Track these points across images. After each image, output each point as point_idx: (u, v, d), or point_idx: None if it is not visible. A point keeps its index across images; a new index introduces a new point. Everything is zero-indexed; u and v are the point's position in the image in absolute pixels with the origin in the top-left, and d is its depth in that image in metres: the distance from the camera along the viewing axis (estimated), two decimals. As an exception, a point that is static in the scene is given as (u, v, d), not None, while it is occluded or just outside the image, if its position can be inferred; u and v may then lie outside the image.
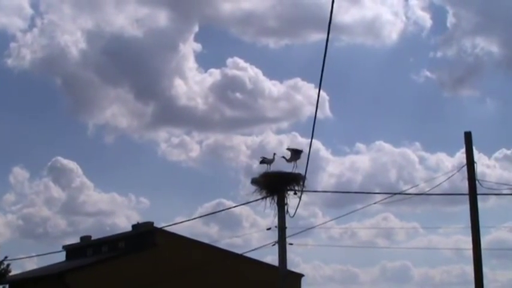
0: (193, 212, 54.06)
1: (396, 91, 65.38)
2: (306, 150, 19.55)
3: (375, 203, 21.91)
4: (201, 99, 58.08)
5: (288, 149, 20.33)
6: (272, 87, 58.69)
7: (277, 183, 19.41)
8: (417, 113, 62.55)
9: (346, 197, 47.25)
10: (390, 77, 65.67)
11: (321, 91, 11.57)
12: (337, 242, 48.51)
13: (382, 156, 58.80)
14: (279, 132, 63.07)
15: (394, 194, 20.42)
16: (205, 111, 58.02)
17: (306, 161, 17.06)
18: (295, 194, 19.38)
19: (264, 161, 20.22)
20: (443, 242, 51.92)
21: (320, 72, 10.48)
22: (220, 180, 61.57)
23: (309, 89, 58.09)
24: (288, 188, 19.44)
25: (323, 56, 10.10)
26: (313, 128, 13.59)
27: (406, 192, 20.33)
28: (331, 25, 9.38)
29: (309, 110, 57.61)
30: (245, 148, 58.85)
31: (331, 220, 25.11)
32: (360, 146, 60.69)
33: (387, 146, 58.64)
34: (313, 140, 14.96)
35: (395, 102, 65.00)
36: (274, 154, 20.26)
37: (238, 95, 56.64)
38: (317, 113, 12.96)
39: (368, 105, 64.98)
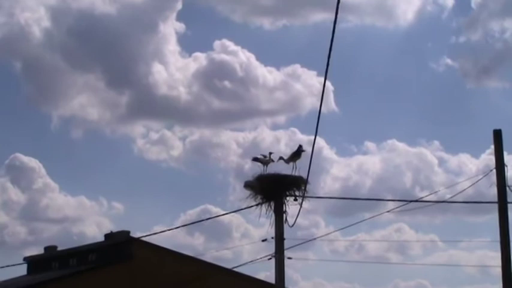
0: (175, 220, 54.25)
1: (412, 81, 65.47)
2: (307, 150, 19.46)
3: (386, 212, 21.91)
4: (184, 88, 57.96)
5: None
6: (267, 74, 58.70)
7: (274, 188, 19.27)
8: (436, 107, 62.67)
9: (353, 204, 47.15)
10: (405, 65, 65.76)
11: (326, 81, 11.33)
12: (342, 256, 48.66)
13: (395, 157, 58.88)
14: (275, 127, 63.11)
15: (409, 202, 20.31)
16: (189, 102, 57.96)
17: (308, 162, 16.81)
18: (295, 200, 19.25)
19: (258, 159, 20.04)
20: (466, 258, 52.19)
21: (324, 58, 10.31)
22: (207, 184, 61.56)
23: (310, 77, 58.08)
24: (287, 193, 19.30)
25: (329, 39, 9.87)
26: (317, 123, 13.33)
27: (424, 199, 20.28)
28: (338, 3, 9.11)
29: (310, 102, 57.66)
30: (236, 146, 58.85)
31: (335, 231, 24.85)
32: (370, 145, 60.79)
33: (401, 146, 58.74)
34: (316, 138, 14.67)
35: (410, 94, 65.08)
36: (271, 153, 20.10)
37: (227, 83, 56.60)
38: (321, 105, 12.64)
39: (379, 98, 65.06)
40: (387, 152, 59.57)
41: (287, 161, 19.87)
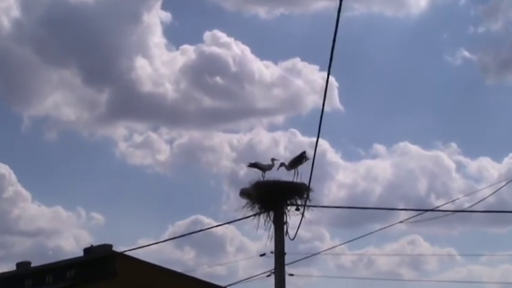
0: (163, 232, 54.03)
1: (425, 77, 65.62)
2: (308, 153, 19.38)
3: (399, 223, 21.80)
4: (170, 85, 58.18)
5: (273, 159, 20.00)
6: (264, 69, 58.87)
7: (274, 196, 19.19)
8: (453, 105, 62.84)
9: (361, 214, 47.24)
10: (417, 59, 65.89)
11: (329, 76, 11.27)
12: (349, 272, 48.62)
13: (407, 161, 59.04)
14: (273, 128, 63.57)
15: (424, 211, 20.21)
16: (176, 101, 58.06)
17: (311, 167, 16.72)
18: (297, 209, 19.17)
19: (255, 165, 19.98)
20: (487, 273, 52.16)
21: (327, 51, 10.31)
22: (197, 192, 61.61)
23: (312, 72, 58.38)
24: (288, 201, 19.24)
25: (333, 29, 9.84)
26: (319, 123, 13.24)
27: (440, 208, 20.19)
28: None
29: (311, 100, 57.83)
30: (229, 149, 58.97)
31: (341, 244, 24.85)
32: (379, 148, 60.97)
33: (414, 149, 58.88)
34: (319, 140, 14.62)
35: (424, 91, 65.24)
36: (273, 160, 20.00)
37: (219, 79, 56.76)
38: (324, 104, 12.68)
39: (389, 95, 65.25)
40: (399, 156, 59.76)
41: (288, 168, 19.81)
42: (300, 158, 19.69)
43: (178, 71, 60.02)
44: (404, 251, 52.25)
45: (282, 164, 19.91)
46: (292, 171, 19.65)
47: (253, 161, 20.13)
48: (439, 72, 65.49)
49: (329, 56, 10.38)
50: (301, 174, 19.37)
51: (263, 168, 19.92)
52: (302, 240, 46.68)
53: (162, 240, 32.84)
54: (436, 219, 20.61)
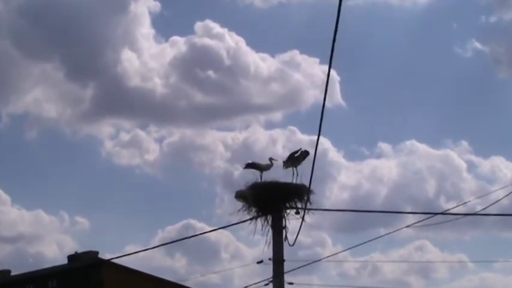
0: (152, 238, 53.99)
1: (433, 70, 65.75)
2: (309, 151, 19.42)
3: (406, 227, 21.88)
4: (160, 80, 58.22)
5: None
6: (260, 62, 58.98)
7: (272, 198, 19.25)
8: (463, 100, 63.02)
9: (366, 218, 47.13)
10: (425, 50, 65.95)
11: (331, 69, 11.32)
12: (352, 280, 48.70)
13: (415, 160, 59.20)
14: (270, 126, 63.50)
15: (433, 215, 20.26)
16: (166, 97, 58.16)
17: (311, 168, 16.78)
18: (297, 213, 19.23)
19: (253, 165, 20.05)
20: (501, 282, 52.28)
21: (328, 42, 10.35)
22: (189, 194, 61.77)
23: (312, 66, 58.54)
24: (288, 204, 19.30)
25: (334, 19, 9.88)
26: (320, 120, 13.28)
27: (450, 211, 20.25)
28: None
29: (311, 95, 58.02)
30: (223, 148, 59.07)
31: (344, 250, 24.75)
32: (384, 146, 61.10)
33: (422, 147, 59.03)
34: (320, 138, 14.67)
35: (432, 85, 65.26)
36: (272, 159, 20.08)
37: (211, 73, 56.75)
38: (325, 99, 12.71)
39: (395, 90, 65.41)
40: (405, 155, 59.94)
41: (285, 164, 19.91)
42: (298, 156, 19.76)
43: (168, 65, 60.28)
44: (411, 257, 52.45)
45: (271, 159, 19.99)
46: (291, 171, 19.71)
47: (249, 161, 20.20)
48: (449, 65, 65.72)
49: (330, 48, 10.43)
50: (301, 175, 19.45)
51: (261, 168, 19.98)
52: (302, 246, 46.82)
53: (152, 246, 32.87)
54: (446, 223, 20.66)
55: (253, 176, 19.92)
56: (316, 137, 14.69)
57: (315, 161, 16.12)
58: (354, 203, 54.41)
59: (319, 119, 13.21)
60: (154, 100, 57.43)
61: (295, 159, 19.77)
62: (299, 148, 19.91)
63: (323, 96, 12.37)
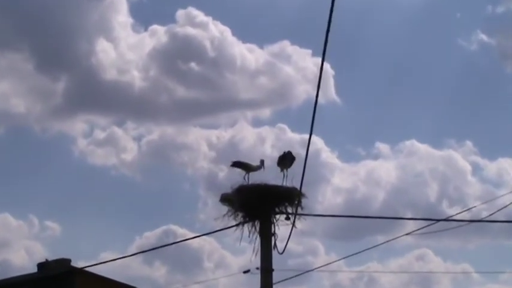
0: (129, 245, 53.92)
1: (436, 64, 65.90)
2: (299, 152, 19.43)
3: (405, 235, 21.87)
4: (138, 72, 57.88)
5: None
6: (247, 54, 58.69)
7: (260, 202, 19.24)
8: (468, 97, 63.08)
9: (362, 224, 47.13)
10: (426, 43, 66.02)
11: (324, 62, 11.27)
12: (347, 292, 48.38)
13: (415, 162, 59.14)
14: (258, 123, 63.47)
15: (435, 221, 20.27)
16: (145, 91, 57.83)
17: (302, 169, 16.75)
18: (287, 219, 19.20)
19: (241, 164, 20.03)
20: (508, 294, 52.12)
21: (321, 32, 10.30)
22: (170, 197, 61.55)
23: (304, 58, 58.45)
24: (277, 209, 19.28)
25: (328, 7, 9.85)
26: (313, 118, 13.27)
27: (454, 218, 20.25)
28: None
29: (303, 91, 57.97)
30: (207, 148, 58.88)
31: (338, 260, 24.82)
32: (382, 146, 61.02)
33: (423, 148, 58.99)
34: (312, 137, 14.65)
35: (434, 80, 65.27)
36: (263, 161, 20.08)
37: (194, 66, 56.48)
38: (318, 95, 12.75)
39: (394, 85, 65.15)
40: (405, 156, 59.90)
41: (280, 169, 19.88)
42: (288, 158, 19.76)
43: (147, 56, 59.82)
44: (412, 267, 52.43)
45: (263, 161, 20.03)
46: (281, 173, 19.72)
47: (237, 160, 20.16)
48: (452, 59, 65.65)
49: (324, 39, 10.39)
50: (291, 178, 19.44)
51: (249, 168, 19.96)
52: (292, 255, 46.68)
53: (129, 254, 32.82)
54: (449, 231, 20.71)
55: (240, 178, 19.95)
56: (308, 136, 14.72)
57: (306, 162, 16.11)
58: (349, 208, 54.42)
59: (312, 117, 13.22)
60: (132, 95, 57.22)
61: (281, 161, 19.77)
62: (287, 151, 19.92)
63: (316, 91, 12.36)
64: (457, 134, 69.24)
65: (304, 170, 16.56)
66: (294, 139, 50.06)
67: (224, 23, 57.83)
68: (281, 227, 19.31)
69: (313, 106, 12.87)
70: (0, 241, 56.44)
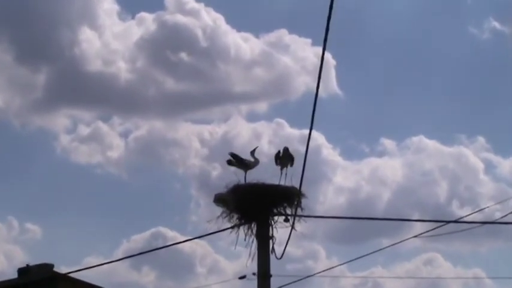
0: (116, 248, 53.78)
1: (445, 54, 65.43)
2: (299, 149, 19.57)
3: (413, 237, 21.80)
4: (125, 64, 57.64)
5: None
6: (242, 44, 58.45)
7: (257, 203, 19.24)
8: (479, 89, 62.83)
9: (366, 226, 47.01)
10: (435, 31, 65.68)
11: (325, 52, 11.20)
12: (350, 299, 48.34)
13: (423, 159, 59.00)
14: (254, 118, 63.33)
15: (444, 223, 20.23)
16: (132, 83, 57.62)
17: (302, 167, 16.68)
18: (286, 220, 19.18)
19: (236, 161, 19.96)
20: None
21: (322, 20, 10.20)
22: (159, 197, 61.38)
23: (303, 47, 58.13)
24: (276, 210, 19.27)
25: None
26: (313, 112, 13.18)
27: (464, 219, 20.21)
28: None
29: (302, 83, 57.74)
30: (199, 144, 58.69)
31: (341, 264, 24.73)
32: (387, 143, 60.77)
33: (431, 144, 58.86)
34: (312, 133, 14.57)
35: (443, 71, 65.16)
36: (254, 150, 20.08)
37: (185, 56, 56.14)
38: (319, 87, 12.67)
39: (399, 77, 65.23)
40: (412, 153, 59.76)
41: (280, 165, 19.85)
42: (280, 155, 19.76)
43: (134, 46, 59.40)
44: (419, 272, 52.25)
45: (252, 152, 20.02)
46: (279, 171, 19.68)
47: (232, 157, 20.10)
48: (462, 48, 65.31)
49: (324, 27, 10.31)
50: (290, 176, 19.45)
51: (246, 165, 19.90)
52: (292, 259, 46.62)
53: (116, 259, 32.78)
54: (460, 233, 20.69)
55: (235, 176, 19.91)
56: (307, 131, 14.63)
57: (306, 159, 16.02)
58: (352, 209, 53.98)
59: (312, 111, 13.13)
60: (118, 87, 56.99)
61: (280, 160, 19.73)
62: (284, 148, 19.88)
63: (316, 83, 12.28)
64: (468, 129, 68.85)
65: (304, 168, 16.49)
66: (292, 135, 50.00)
67: (217, 10, 57.54)
68: (279, 230, 19.37)
69: (313, 99, 12.82)
70: (-24, 245, 56.30)
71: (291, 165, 19.69)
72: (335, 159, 58.92)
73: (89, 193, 60.58)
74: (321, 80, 12.37)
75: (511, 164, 59.63)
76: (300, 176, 16.98)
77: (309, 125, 13.82)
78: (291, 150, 19.93)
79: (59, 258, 58.60)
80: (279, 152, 19.91)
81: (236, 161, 20.06)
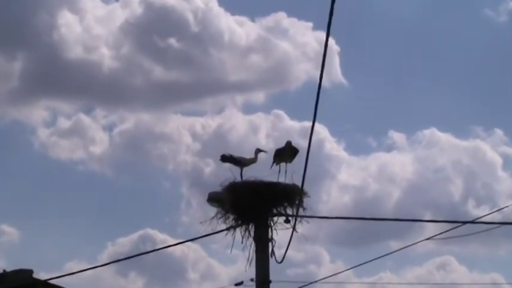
0: (100, 252, 53.90)
1: (458, 39, 65.91)
2: (300, 144, 19.65)
3: (425, 240, 21.90)
4: (108, 50, 57.62)
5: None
6: (237, 28, 58.45)
7: (255, 203, 19.28)
8: (497, 77, 62.87)
9: (373, 227, 47.15)
10: (448, 14, 65.74)
11: (329, 37, 11.23)
12: (357, 307, 48.42)
13: (435, 154, 59.13)
14: (250, 109, 63.81)
15: (459, 224, 20.30)
16: (116, 72, 57.71)
17: (304, 163, 16.72)
18: (287, 221, 19.21)
19: (232, 159, 20.07)
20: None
21: (324, 2, 10.23)
22: (147, 197, 61.41)
23: (303, 32, 58.18)
24: (275, 210, 19.31)
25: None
26: (316, 103, 13.22)
27: (481, 220, 20.27)
28: None
29: (303, 71, 57.85)
30: (190, 138, 58.80)
31: (346, 270, 24.78)
32: (397, 136, 60.99)
33: (445, 138, 59.04)
34: (315, 126, 14.60)
35: (457, 58, 65.40)
36: (259, 151, 20.17)
37: (173, 42, 56.11)
38: (322, 76, 12.60)
39: (409, 64, 65.21)
40: (424, 148, 59.96)
41: (274, 163, 19.92)
42: (284, 151, 19.78)
43: (119, 31, 59.43)
44: (432, 278, 52.28)
45: (258, 150, 20.06)
46: (279, 167, 19.79)
47: (227, 153, 20.15)
48: (477, 32, 65.43)
49: (328, 9, 10.35)
50: (291, 173, 19.48)
51: (243, 162, 19.99)
52: (293, 264, 46.75)
53: (100, 264, 32.84)
54: (476, 235, 20.74)
55: (230, 173, 19.96)
56: (309, 124, 14.65)
57: (308, 154, 16.05)
58: (358, 209, 53.89)
59: (314, 101, 13.16)
60: (102, 76, 56.96)
61: (281, 154, 19.78)
62: (286, 141, 19.92)
63: (319, 72, 12.31)
64: (484, 121, 68.55)
65: (307, 164, 16.50)
66: (292, 128, 50.14)
67: (210, -8, 57.57)
68: (279, 231, 19.44)
69: (314, 88, 12.84)
70: None
71: (290, 161, 19.73)
72: (339, 154, 59.10)
73: (70, 192, 60.76)
74: (324, 68, 12.39)
75: (532, 159, 59.71)
76: (302, 173, 16.99)
77: (311, 117, 13.80)
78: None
79: (38, 263, 58.45)
80: (283, 148, 19.87)
81: (232, 160, 20.10)
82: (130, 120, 61.30)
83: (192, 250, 52.50)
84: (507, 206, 21.57)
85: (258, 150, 20.16)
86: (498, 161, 57.46)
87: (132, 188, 62.02)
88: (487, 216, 20.57)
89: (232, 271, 46.24)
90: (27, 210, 57.87)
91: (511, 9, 62.99)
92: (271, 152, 20.08)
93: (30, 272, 31.33)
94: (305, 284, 23.38)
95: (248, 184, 19.62)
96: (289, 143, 19.89)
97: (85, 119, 58.81)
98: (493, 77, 62.98)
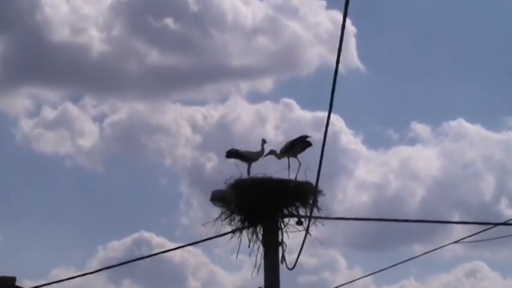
0: (90, 258, 54.21)
1: (487, 21, 65.67)
2: (312, 136, 19.85)
3: (453, 243, 22.02)
4: (98, 32, 57.79)
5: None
6: (242, 7, 58.52)
7: (263, 202, 19.36)
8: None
9: (395, 229, 47.38)
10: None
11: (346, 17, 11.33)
12: (378, 318, 48.66)
13: (463, 148, 59.38)
14: (256, 98, 63.70)
15: (491, 226, 20.42)
16: (107, 56, 57.83)
17: (319, 159, 16.81)
18: (299, 223, 19.31)
19: (237, 154, 20.19)
20: None
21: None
22: (142, 195, 61.63)
23: (316, 12, 58.40)
24: (287, 211, 19.41)
25: None
26: (332, 91, 13.31)
27: (515, 221, 20.40)
28: None
29: (316, 55, 58.01)
30: (190, 130, 58.89)
31: (365, 276, 24.83)
32: (420, 128, 61.07)
33: (474, 129, 59.20)
34: (331, 117, 14.70)
35: (485, 42, 65.31)
36: (265, 142, 20.28)
37: (170, 22, 56.19)
38: (339, 60, 12.65)
39: (433, 49, 65.16)
40: (450, 141, 60.09)
41: (279, 155, 20.07)
42: (297, 143, 19.88)
43: (109, 10, 59.87)
44: (461, 285, 52.66)
45: (271, 152, 20.09)
46: (291, 162, 19.87)
47: (231, 148, 20.26)
48: (509, 15, 65.65)
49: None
50: (304, 169, 19.51)
51: (249, 157, 20.11)
52: (305, 270, 47.04)
53: (90, 271, 32.99)
54: (510, 238, 20.88)
55: (236, 169, 20.04)
56: (322, 114, 14.77)
57: (324, 148, 16.09)
58: (378, 209, 54.30)
59: (329, 89, 13.25)
60: (91, 61, 57.09)
61: (290, 147, 19.86)
62: (300, 137, 20.03)
63: (333, 56, 12.43)
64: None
65: (322, 159, 16.49)
66: (304, 118, 50.45)
67: (210, -34, 57.76)
68: (291, 235, 19.49)
69: (328, 75, 12.93)
70: None
71: (294, 155, 19.76)
72: (357, 148, 59.29)
73: (56, 190, 60.96)
74: (341, 52, 12.48)
75: None
76: (317, 169, 16.82)
77: (324, 106, 13.80)
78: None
79: (21, 270, 58.75)
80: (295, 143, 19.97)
81: (238, 155, 20.19)
82: (123, 110, 61.62)
83: (192, 255, 52.85)
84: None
85: (264, 141, 20.21)
86: (533, 156, 57.68)
87: (126, 185, 62.28)
88: (522, 218, 20.67)
89: (237, 279, 46.62)
90: (8, 211, 57.92)
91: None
92: (278, 144, 20.25)
93: (13, 279, 31.50)
94: (319, 292, 23.51)
95: (256, 181, 19.66)
96: (303, 138, 19.90)
97: (72, 108, 59.07)
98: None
